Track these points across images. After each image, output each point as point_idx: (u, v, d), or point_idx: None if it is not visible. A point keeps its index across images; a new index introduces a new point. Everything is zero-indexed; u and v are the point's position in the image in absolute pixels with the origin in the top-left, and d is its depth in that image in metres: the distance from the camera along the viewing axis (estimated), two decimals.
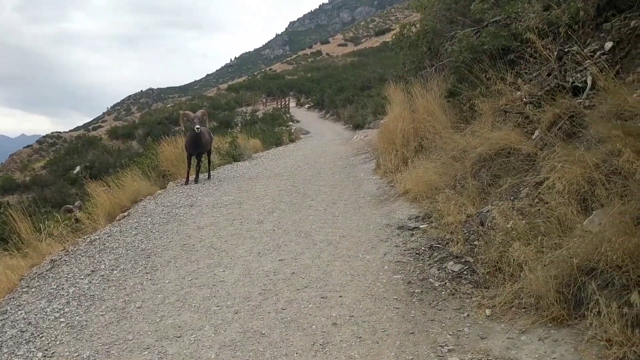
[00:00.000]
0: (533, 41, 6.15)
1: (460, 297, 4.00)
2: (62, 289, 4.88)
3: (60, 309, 4.40)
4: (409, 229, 5.90)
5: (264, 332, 3.66)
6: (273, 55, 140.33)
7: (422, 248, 5.15)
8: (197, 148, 9.68)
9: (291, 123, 33.77)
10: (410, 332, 3.54)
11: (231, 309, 4.09)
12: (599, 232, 3.36)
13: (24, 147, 68.13)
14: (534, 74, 6.50)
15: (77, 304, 4.47)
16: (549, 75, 6.15)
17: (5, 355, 3.78)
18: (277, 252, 5.43)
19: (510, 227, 4.18)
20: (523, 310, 3.60)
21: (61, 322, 4.16)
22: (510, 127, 5.98)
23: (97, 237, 6.56)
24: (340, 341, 3.47)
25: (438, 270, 4.51)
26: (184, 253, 5.63)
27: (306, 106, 45.89)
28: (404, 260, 4.91)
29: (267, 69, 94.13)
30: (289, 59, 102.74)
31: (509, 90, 6.44)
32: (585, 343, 3.07)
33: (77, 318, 4.19)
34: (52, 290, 4.89)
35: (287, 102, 42.66)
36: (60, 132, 73.27)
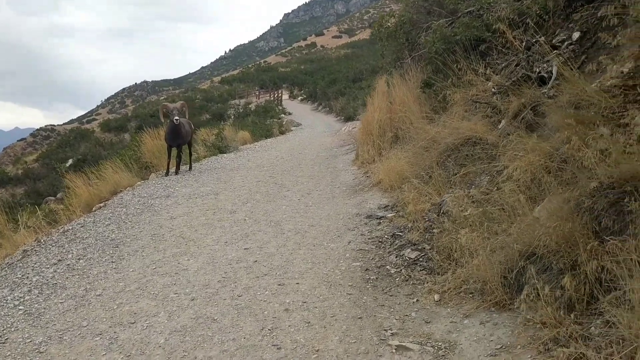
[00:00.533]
0: (504, 32, 6.22)
1: (413, 284, 4.08)
2: (27, 277, 4.94)
3: (20, 297, 4.46)
4: (377, 218, 5.97)
5: (216, 318, 3.73)
6: (267, 48, 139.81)
7: (386, 236, 5.22)
8: (177, 139, 9.71)
9: (283, 115, 33.77)
10: (359, 317, 3.61)
11: (189, 296, 4.16)
12: (540, 218, 3.44)
13: (17, 141, 67.98)
14: (503, 65, 6.56)
15: (38, 292, 4.53)
16: (517, 65, 6.21)
17: None
18: (244, 241, 5.49)
19: (464, 215, 4.25)
20: (470, 295, 3.68)
21: (19, 309, 4.21)
22: (480, 117, 6.05)
23: (70, 228, 6.62)
24: (289, 326, 3.54)
25: (396, 257, 4.58)
26: (152, 242, 5.69)
27: (299, 98, 45.88)
28: (366, 248, 4.98)
29: (262, 61, 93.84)
30: (283, 51, 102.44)
31: (479, 81, 6.51)
32: (522, 326, 3.15)
33: (36, 306, 4.26)
34: (17, 279, 4.94)
35: (279, 95, 42.61)
36: (54, 125, 73.11)
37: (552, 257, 3.22)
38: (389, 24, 9.62)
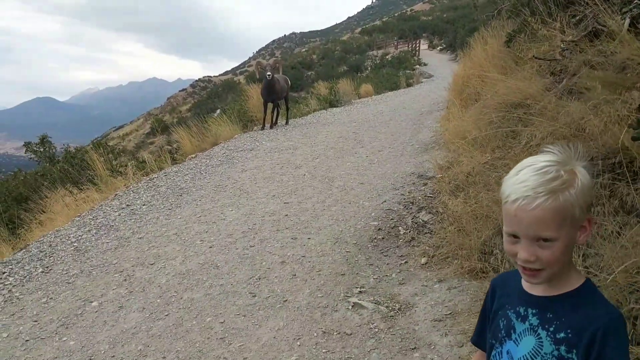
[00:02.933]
0: None
1: (413, 246, 4.14)
2: (96, 219, 5.72)
3: (80, 236, 5.22)
4: (427, 178, 5.96)
5: (219, 265, 4.13)
6: None
7: (419, 198, 5.24)
8: (271, 94, 10.19)
9: (418, 66, 33.21)
10: (342, 274, 3.80)
11: (210, 243, 4.60)
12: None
13: (179, 91, 74.25)
14: (579, 17, 6.09)
15: (95, 232, 5.26)
16: (593, 18, 5.76)
17: None
18: (289, 196, 5.81)
19: (470, 180, 4.18)
20: (455, 260, 3.69)
21: (74, 245, 4.97)
22: (548, 75, 5.76)
23: (156, 176, 7.39)
24: (276, 277, 3.83)
25: (412, 219, 4.63)
26: (212, 193, 6.23)
27: (438, 48, 44.55)
28: (395, 209, 5.05)
29: (408, 9, 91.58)
30: None
31: (554, 35, 6.14)
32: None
33: (86, 243, 4.97)
34: (88, 220, 5.75)
35: (417, 45, 41.66)
36: (210, 77, 78.57)
37: None
38: None
